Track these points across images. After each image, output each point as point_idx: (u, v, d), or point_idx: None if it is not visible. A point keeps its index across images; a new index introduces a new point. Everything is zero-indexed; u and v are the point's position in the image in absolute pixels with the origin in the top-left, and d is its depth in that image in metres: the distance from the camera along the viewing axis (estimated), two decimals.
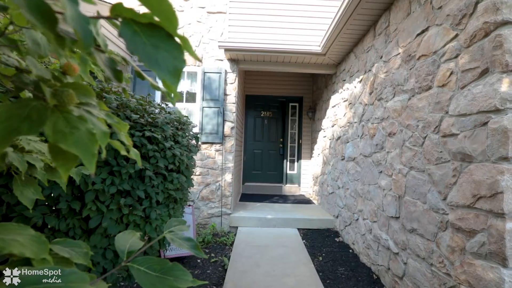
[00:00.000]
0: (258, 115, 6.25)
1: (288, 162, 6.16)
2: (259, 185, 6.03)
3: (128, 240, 0.44)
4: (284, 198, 5.46)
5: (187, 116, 1.88)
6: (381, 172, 2.60)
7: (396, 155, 2.34)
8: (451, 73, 1.71)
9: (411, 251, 2.07)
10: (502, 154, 1.34)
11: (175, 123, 1.75)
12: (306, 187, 5.98)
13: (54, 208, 1.15)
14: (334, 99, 4.33)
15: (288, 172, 6.15)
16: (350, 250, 3.28)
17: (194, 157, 1.96)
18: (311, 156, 5.94)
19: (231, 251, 3.22)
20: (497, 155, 1.36)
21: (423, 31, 2.02)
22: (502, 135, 1.34)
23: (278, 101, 6.28)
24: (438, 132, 1.80)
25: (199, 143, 4.10)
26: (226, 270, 2.75)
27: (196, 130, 4.14)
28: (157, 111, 1.52)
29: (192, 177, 4.04)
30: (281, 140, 6.21)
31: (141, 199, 1.35)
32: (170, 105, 4.16)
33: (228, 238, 3.65)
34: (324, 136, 4.85)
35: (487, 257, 1.40)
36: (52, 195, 1.11)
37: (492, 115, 1.40)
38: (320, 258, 3.06)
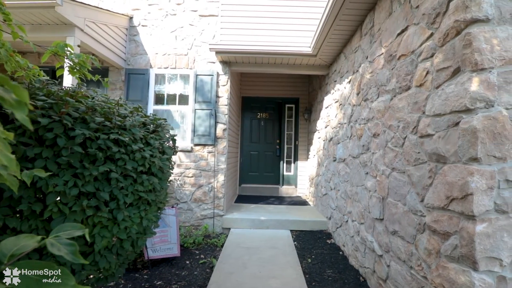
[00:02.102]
0: (255, 116, 6.25)
1: (284, 164, 6.14)
2: (255, 186, 6.02)
3: (19, 244, 0.45)
4: (280, 200, 5.44)
5: (164, 119, 1.89)
6: (367, 173, 2.57)
7: (380, 156, 2.31)
8: (427, 73, 1.68)
9: (393, 254, 2.03)
10: (472, 155, 1.31)
11: (151, 125, 1.77)
12: (303, 188, 5.95)
13: (17, 209, 1.17)
14: (327, 100, 4.30)
15: (285, 173, 6.13)
16: (340, 252, 3.24)
17: (172, 158, 1.97)
18: (307, 157, 5.90)
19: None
20: (467, 156, 1.33)
21: (403, 31, 2.00)
22: (471, 136, 1.31)
23: (275, 103, 6.27)
24: (416, 133, 1.78)
25: (192, 145, 4.13)
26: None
27: (189, 132, 4.16)
28: (128, 113, 1.54)
29: (186, 179, 4.09)
30: (278, 141, 6.19)
31: (107, 201, 1.37)
32: (162, 107, 4.21)
33: (219, 240, 3.65)
34: (319, 137, 4.82)
35: (459, 260, 1.37)
36: (14, 197, 1.13)
37: (463, 115, 1.37)
38: (309, 260, 3.03)
